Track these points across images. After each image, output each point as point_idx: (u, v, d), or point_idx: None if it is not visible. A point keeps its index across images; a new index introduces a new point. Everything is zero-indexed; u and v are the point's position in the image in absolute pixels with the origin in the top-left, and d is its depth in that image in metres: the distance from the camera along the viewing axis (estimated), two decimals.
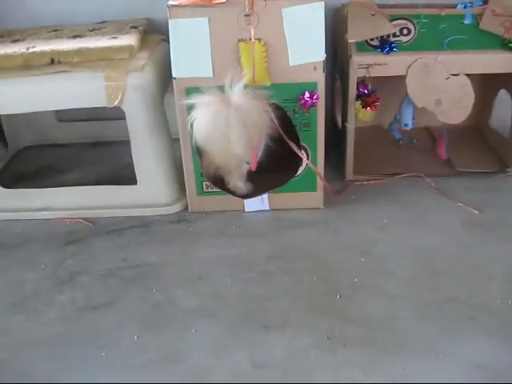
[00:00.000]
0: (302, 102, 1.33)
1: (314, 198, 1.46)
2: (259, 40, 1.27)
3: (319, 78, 1.32)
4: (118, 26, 1.54)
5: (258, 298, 1.19)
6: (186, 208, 1.50)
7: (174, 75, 1.31)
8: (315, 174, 1.41)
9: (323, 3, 1.25)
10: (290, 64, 1.30)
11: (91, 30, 1.53)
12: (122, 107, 1.37)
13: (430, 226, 1.38)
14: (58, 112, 1.82)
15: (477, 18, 1.45)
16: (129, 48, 1.39)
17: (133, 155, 1.42)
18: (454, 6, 1.48)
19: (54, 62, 1.38)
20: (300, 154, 1.36)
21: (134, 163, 1.43)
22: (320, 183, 1.43)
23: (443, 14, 1.45)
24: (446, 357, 1.03)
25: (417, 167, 1.57)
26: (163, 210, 1.48)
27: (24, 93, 1.38)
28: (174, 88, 1.33)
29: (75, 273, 1.29)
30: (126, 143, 1.78)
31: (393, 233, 1.37)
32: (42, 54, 1.38)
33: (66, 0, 1.70)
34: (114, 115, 1.80)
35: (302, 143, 1.38)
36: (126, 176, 1.53)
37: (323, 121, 1.36)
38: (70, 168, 1.69)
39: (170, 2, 1.26)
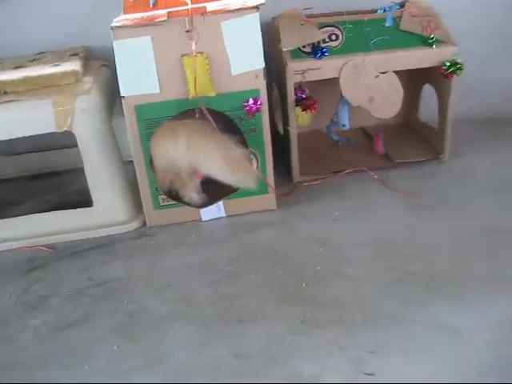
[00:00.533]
0: (247, 108, 1.41)
1: (267, 201, 1.53)
2: (201, 53, 1.35)
3: (261, 85, 1.41)
4: (58, 55, 1.59)
5: (228, 296, 1.24)
6: (144, 224, 1.54)
7: (122, 94, 1.37)
8: (265, 177, 1.50)
9: (258, 14, 1.34)
10: (233, 74, 1.39)
11: (32, 61, 1.56)
12: (73, 131, 1.41)
13: (378, 214, 1.49)
14: (0, 146, 1.83)
15: (396, 20, 1.60)
16: (74, 73, 1.44)
17: (87, 177, 1.45)
18: (374, 11, 1.62)
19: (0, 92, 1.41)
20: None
21: (89, 185, 1.46)
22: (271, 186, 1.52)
23: (365, 19, 1.59)
24: (412, 323, 1.12)
25: (358, 163, 1.68)
26: (122, 228, 1.51)
27: None
28: (124, 107, 1.38)
29: (43, 296, 1.30)
30: (71, 171, 1.83)
31: (345, 223, 1.46)
32: None
33: (1, 34, 1.74)
34: (57, 144, 1.85)
35: (250, 148, 1.46)
36: (78, 201, 1.55)
37: (268, 124, 1.45)
38: (21, 200, 1.69)
39: (114, 24, 1.32)
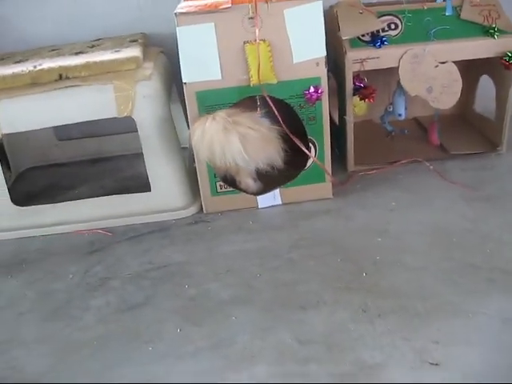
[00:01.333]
0: (308, 96, 1.42)
1: (324, 189, 1.54)
2: (264, 41, 1.36)
3: (322, 73, 1.41)
4: (117, 41, 1.61)
5: (289, 282, 1.26)
6: (200, 210, 1.56)
7: (184, 80, 1.39)
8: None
9: (321, 2, 1.35)
10: (294, 61, 1.39)
11: (91, 47, 1.59)
12: (133, 116, 1.43)
13: (436, 205, 1.49)
14: (57, 131, 1.87)
15: (456, 9, 1.59)
16: (135, 59, 1.46)
17: (145, 162, 1.48)
18: (434, 0, 1.61)
19: (62, 77, 1.44)
20: (307, 152, 1.45)
21: (147, 170, 1.49)
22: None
23: (425, 7, 1.58)
24: (475, 315, 1.12)
25: (413, 154, 1.68)
26: (179, 213, 1.54)
27: (35, 110, 1.43)
28: (185, 93, 1.40)
29: (105, 278, 1.33)
30: (125, 157, 1.87)
31: (403, 213, 1.46)
32: (50, 70, 1.44)
33: (57, 21, 1.78)
34: (112, 130, 1.88)
35: (309, 137, 1.47)
36: (133, 186, 1.60)
37: (328, 113, 1.46)
38: (76, 184, 1.74)
39: (178, 10, 1.33)
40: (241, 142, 1.31)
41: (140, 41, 1.59)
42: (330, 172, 1.52)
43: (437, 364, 1.03)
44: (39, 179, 1.83)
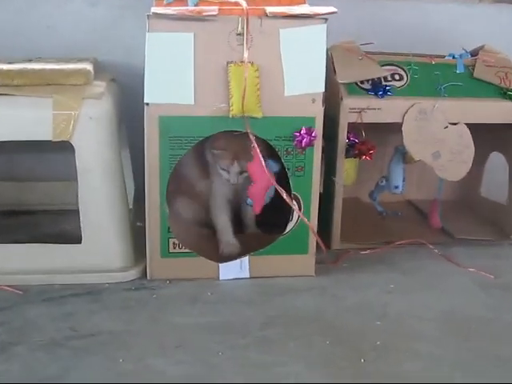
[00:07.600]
0: (298, 139, 1.31)
1: (304, 264, 1.40)
2: (252, 64, 1.27)
3: (318, 113, 1.32)
4: (63, 60, 1.49)
5: (262, 363, 1.08)
6: (143, 275, 1.39)
7: (146, 100, 1.27)
8: (306, 233, 1.38)
9: (325, 26, 1.29)
10: (286, 94, 1.30)
11: (28, 61, 1.46)
12: (72, 141, 1.28)
13: (445, 290, 1.38)
14: None
15: (468, 68, 1.58)
16: (85, 73, 1.34)
17: (79, 202, 1.31)
18: (443, 57, 1.61)
19: None
20: (294, 207, 1.34)
21: (80, 213, 1.32)
22: (312, 245, 1.39)
23: (433, 62, 1.57)
24: None
25: (411, 235, 1.58)
26: (114, 276, 1.35)
27: None
28: (145, 116, 1.28)
29: (7, 343, 1.11)
30: (46, 213, 1.69)
31: (404, 296, 1.34)
32: None
33: None
34: (35, 175, 1.72)
35: (293, 192, 1.36)
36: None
37: (319, 164, 1.36)
38: None
39: (152, 11, 1.24)
40: None
41: (91, 60, 1.48)
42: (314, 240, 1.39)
43: None
44: None
